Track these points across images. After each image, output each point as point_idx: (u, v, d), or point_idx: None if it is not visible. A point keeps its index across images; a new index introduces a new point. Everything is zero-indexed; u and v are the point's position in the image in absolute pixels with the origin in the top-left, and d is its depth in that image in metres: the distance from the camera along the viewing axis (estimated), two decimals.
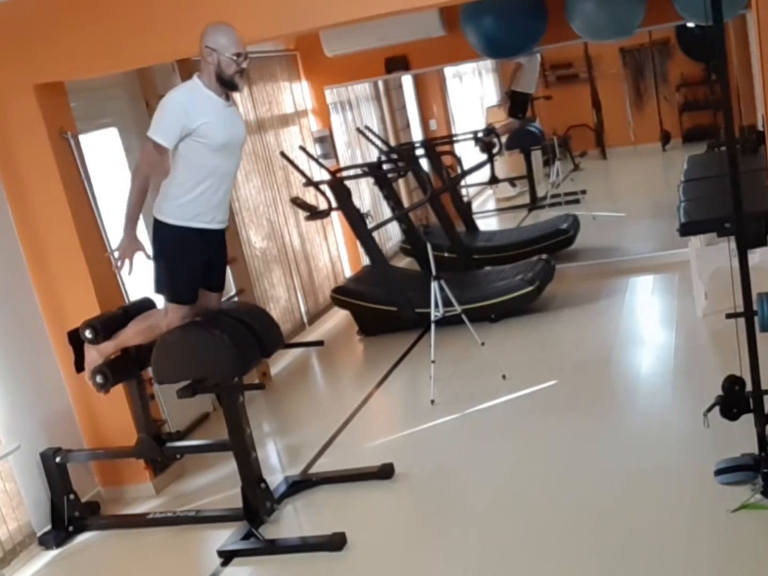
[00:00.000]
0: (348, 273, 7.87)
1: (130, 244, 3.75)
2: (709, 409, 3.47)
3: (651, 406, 4.50)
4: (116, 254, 3.80)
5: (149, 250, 3.84)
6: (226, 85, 3.68)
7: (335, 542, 3.64)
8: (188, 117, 3.58)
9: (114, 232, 4.66)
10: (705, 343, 5.30)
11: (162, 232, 3.74)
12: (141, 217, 3.80)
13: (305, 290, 7.17)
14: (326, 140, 7.63)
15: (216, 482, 4.54)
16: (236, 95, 3.99)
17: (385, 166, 7.41)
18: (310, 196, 6.61)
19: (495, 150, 8.38)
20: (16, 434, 4.12)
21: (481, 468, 4.17)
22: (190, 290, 3.85)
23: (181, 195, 3.69)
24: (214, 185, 3.73)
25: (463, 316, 5.22)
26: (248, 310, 4.22)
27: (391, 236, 8.83)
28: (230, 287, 5.90)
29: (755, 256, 5.01)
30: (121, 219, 3.79)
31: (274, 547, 3.77)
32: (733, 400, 3.42)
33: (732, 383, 3.43)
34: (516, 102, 9.34)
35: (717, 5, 3.17)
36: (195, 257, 3.79)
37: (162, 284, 3.84)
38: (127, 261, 3.76)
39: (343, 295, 6.74)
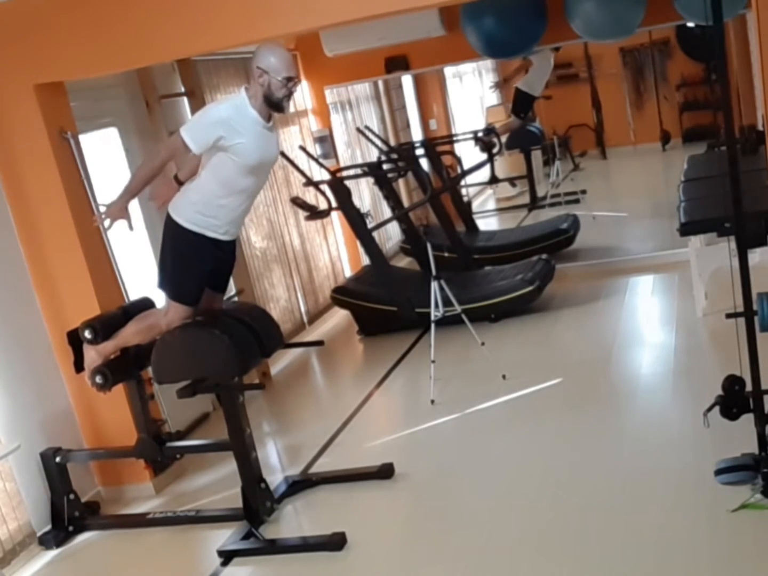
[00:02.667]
0: (348, 273, 7.87)
1: (120, 211, 3.76)
2: (709, 409, 3.47)
3: (651, 406, 4.50)
4: (102, 210, 3.84)
5: (153, 237, 3.82)
6: (273, 107, 3.65)
7: (335, 542, 3.64)
8: (226, 133, 3.54)
9: (113, 231, 4.67)
10: (705, 343, 5.30)
11: (175, 231, 3.74)
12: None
13: (305, 290, 7.16)
14: (326, 140, 7.63)
15: (216, 482, 4.54)
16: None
17: (385, 166, 7.42)
18: (310, 196, 6.61)
19: (495, 150, 8.38)
20: (16, 434, 4.12)
21: (480, 468, 4.18)
22: (196, 293, 3.84)
23: (202, 204, 3.68)
24: (237, 201, 3.72)
25: (463, 316, 5.22)
26: (248, 310, 4.22)
27: (391, 236, 8.83)
28: (230, 287, 5.90)
29: (755, 256, 5.01)
30: (119, 187, 3.80)
31: (274, 547, 3.77)
32: (733, 400, 3.42)
33: (732, 383, 3.43)
34: (520, 101, 9.33)
35: (717, 5, 3.17)
36: (204, 263, 3.79)
37: (166, 281, 3.84)
38: (109, 220, 3.79)
39: (343, 295, 6.75)
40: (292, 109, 7.36)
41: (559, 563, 3.25)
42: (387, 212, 7.86)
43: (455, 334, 5.53)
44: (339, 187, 6.25)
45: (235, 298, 5.86)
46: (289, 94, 3.64)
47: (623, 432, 4.25)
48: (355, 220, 6.32)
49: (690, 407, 4.15)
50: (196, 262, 3.77)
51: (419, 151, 8.27)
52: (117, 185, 5.02)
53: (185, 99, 5.87)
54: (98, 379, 4.03)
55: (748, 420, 3.41)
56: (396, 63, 7.32)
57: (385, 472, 4.20)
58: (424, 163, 8.23)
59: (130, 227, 3.82)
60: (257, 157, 3.65)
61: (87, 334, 3.99)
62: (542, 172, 10.78)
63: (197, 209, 3.69)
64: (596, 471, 3.89)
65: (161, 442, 4.21)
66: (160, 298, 4.03)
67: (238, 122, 3.58)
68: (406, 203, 8.23)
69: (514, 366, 5.28)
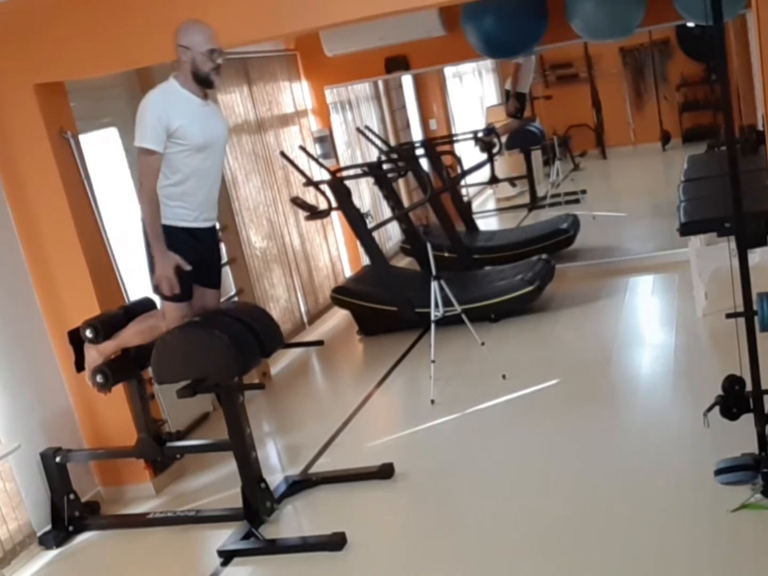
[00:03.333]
0: (348, 273, 7.88)
1: (166, 261, 3.65)
2: (709, 409, 3.47)
3: (651, 406, 4.50)
4: (160, 281, 3.69)
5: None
6: (203, 83, 3.67)
7: (335, 542, 3.64)
8: (168, 117, 3.56)
9: (113, 232, 4.67)
10: (705, 343, 5.30)
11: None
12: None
13: (305, 290, 7.16)
14: (326, 140, 7.63)
15: (216, 482, 4.54)
16: (236, 95, 3.97)
17: (385, 166, 7.41)
18: (310, 196, 6.61)
19: (495, 150, 8.38)
20: (16, 434, 4.12)
21: (480, 468, 4.17)
22: (183, 288, 3.81)
23: (165, 195, 3.68)
24: (197, 184, 3.72)
25: (463, 316, 5.23)
26: (248, 309, 4.22)
27: (391, 236, 8.83)
28: (230, 287, 5.90)
29: (755, 256, 5.01)
30: (144, 240, 3.73)
31: (274, 547, 3.77)
32: (733, 400, 3.42)
33: (732, 383, 3.43)
34: (516, 102, 9.34)
35: (717, 5, 3.17)
36: (185, 255, 3.75)
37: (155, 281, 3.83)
38: (165, 282, 3.67)
39: (343, 295, 6.75)
40: (292, 108, 7.37)
41: (559, 563, 3.25)
42: (387, 212, 7.86)
43: (455, 334, 5.53)
44: (339, 187, 6.25)
45: (235, 298, 5.86)
46: (216, 67, 3.64)
47: (623, 432, 4.25)
48: (355, 220, 6.32)
49: (690, 407, 4.15)
50: (177, 255, 3.74)
51: (419, 151, 8.27)
52: (117, 185, 5.08)
53: None
54: (99, 379, 4.03)
55: (748, 420, 3.41)
56: (396, 63, 7.33)
57: (385, 472, 4.20)
58: (424, 163, 8.24)
59: (186, 267, 3.70)
60: (201, 136, 3.66)
61: (88, 334, 3.99)
62: (542, 172, 10.79)
63: (162, 202, 3.68)
64: (596, 471, 3.89)
65: (161, 442, 4.21)
66: (158, 299, 4.03)
67: (173, 105, 3.60)
68: (406, 203, 8.23)
69: (514, 366, 5.28)
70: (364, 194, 8.35)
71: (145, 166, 3.64)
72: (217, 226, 4.15)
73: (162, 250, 3.66)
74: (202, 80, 3.66)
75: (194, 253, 3.81)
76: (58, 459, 4.21)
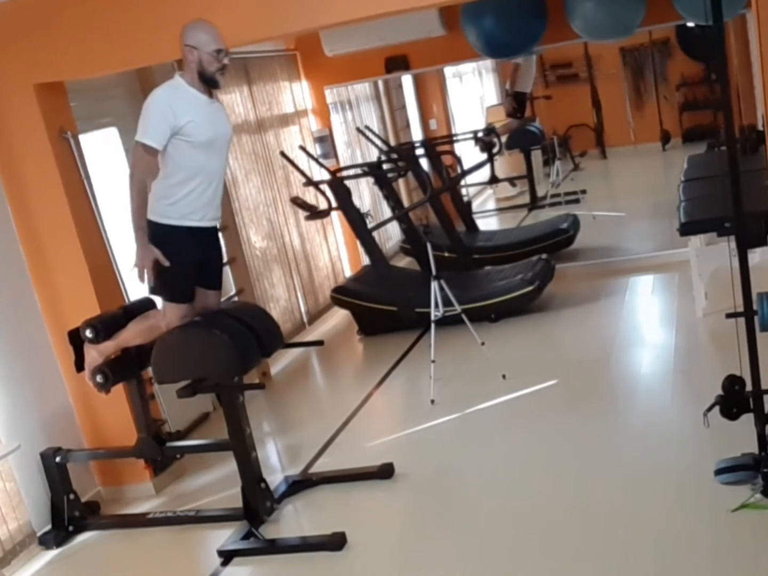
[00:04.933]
0: (348, 273, 7.87)
1: (145, 251, 3.68)
2: (709, 409, 3.47)
3: (651, 406, 4.50)
4: (135, 269, 3.73)
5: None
6: (208, 83, 3.69)
7: (335, 542, 3.64)
8: (174, 115, 3.58)
9: (113, 232, 4.67)
10: (705, 343, 5.30)
11: (153, 231, 3.72)
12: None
13: (305, 290, 7.16)
14: (326, 140, 7.63)
15: (216, 482, 4.54)
16: (236, 94, 3.98)
17: (385, 166, 7.41)
18: (310, 196, 6.61)
19: (495, 150, 8.37)
20: (16, 434, 4.12)
21: (480, 468, 4.18)
22: (186, 289, 3.84)
23: (170, 194, 3.69)
24: (203, 184, 3.73)
25: (463, 316, 5.22)
26: (248, 309, 4.22)
27: (391, 236, 8.83)
28: (230, 287, 5.90)
29: (755, 255, 5.01)
30: (129, 230, 3.73)
31: (274, 547, 3.77)
32: (733, 399, 3.42)
33: (732, 383, 3.43)
34: (516, 102, 9.34)
35: (717, 5, 3.17)
36: (188, 256, 3.77)
37: (157, 284, 3.83)
38: (144, 270, 3.70)
39: (343, 295, 6.75)
40: (292, 108, 7.37)
41: (559, 563, 3.25)
42: (387, 212, 7.86)
43: (455, 334, 5.53)
44: (339, 187, 6.25)
45: (235, 298, 5.86)
46: (222, 67, 3.66)
47: (623, 432, 4.25)
48: (355, 220, 6.31)
49: (690, 407, 4.15)
50: (180, 257, 3.74)
51: (419, 151, 8.27)
52: (117, 185, 5.07)
53: None
54: (99, 379, 4.03)
55: (748, 420, 3.41)
56: (396, 63, 7.33)
57: (385, 472, 4.20)
58: (424, 163, 8.23)
59: (165, 261, 3.72)
60: (208, 132, 3.67)
61: (88, 334, 3.99)
62: (542, 172, 10.77)
63: (167, 202, 3.69)
64: (596, 471, 3.89)
65: (161, 442, 4.21)
66: (159, 299, 4.03)
67: (180, 103, 3.62)
68: (406, 203, 8.23)
69: (514, 366, 5.29)
70: (364, 194, 8.35)
71: (140, 160, 3.65)
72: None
73: (144, 242, 3.67)
74: (207, 80, 3.68)
75: (197, 252, 3.81)
76: (58, 459, 4.21)
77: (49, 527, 4.25)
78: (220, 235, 4.08)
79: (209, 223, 3.85)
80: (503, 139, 9.07)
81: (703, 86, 11.79)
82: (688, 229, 5.40)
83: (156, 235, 3.72)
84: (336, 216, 7.20)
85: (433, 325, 5.19)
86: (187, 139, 3.62)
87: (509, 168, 10.27)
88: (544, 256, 6.85)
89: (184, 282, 3.82)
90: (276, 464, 4.75)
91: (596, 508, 3.56)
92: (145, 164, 3.65)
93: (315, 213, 5.90)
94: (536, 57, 9.50)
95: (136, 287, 4.70)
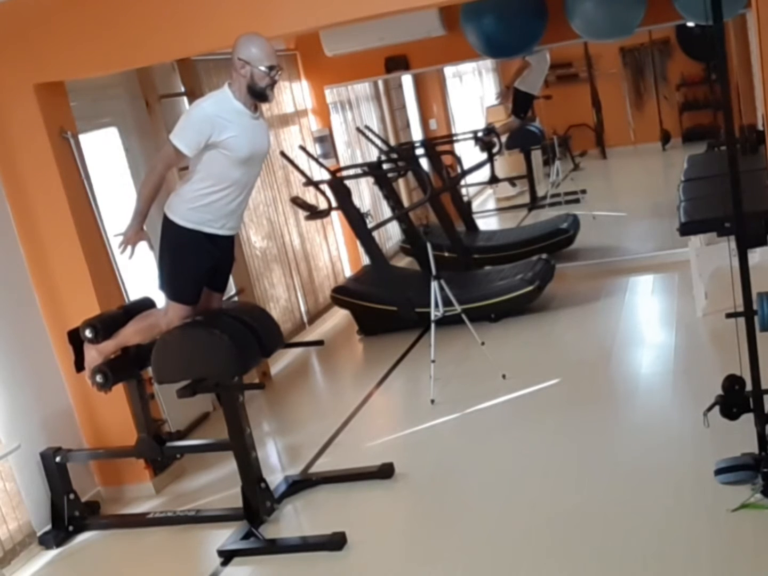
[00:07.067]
0: (348, 273, 7.87)
1: (136, 234, 3.74)
2: (709, 409, 3.47)
3: (651, 406, 4.50)
4: (119, 239, 3.79)
5: (155, 242, 3.82)
6: (257, 97, 3.65)
7: (335, 542, 3.64)
8: (214, 130, 3.54)
9: (113, 231, 4.67)
10: (705, 343, 5.30)
11: (171, 230, 3.73)
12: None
13: (305, 290, 7.17)
14: (326, 140, 7.63)
15: (216, 482, 4.54)
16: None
17: (385, 166, 7.41)
18: (310, 195, 6.61)
19: (495, 149, 8.38)
20: (16, 434, 4.12)
21: (480, 468, 4.18)
22: (194, 292, 3.84)
23: (196, 199, 3.68)
24: (231, 195, 3.72)
25: (463, 316, 5.22)
26: (248, 309, 4.22)
27: (391, 236, 8.83)
28: (230, 287, 5.90)
29: (755, 255, 5.01)
30: (130, 209, 3.77)
31: (274, 547, 3.77)
32: (733, 399, 3.42)
33: (732, 383, 3.43)
34: (519, 101, 9.32)
35: (717, 5, 3.17)
36: (202, 261, 3.78)
37: (165, 282, 3.84)
38: (129, 247, 3.76)
39: (343, 295, 6.75)
40: (292, 108, 7.37)
41: (559, 563, 3.25)
42: (387, 212, 7.86)
43: (455, 333, 5.53)
44: (339, 186, 6.25)
45: (235, 298, 5.86)
46: (273, 83, 3.63)
47: (623, 432, 4.25)
48: (355, 220, 6.32)
49: (690, 407, 4.15)
50: (194, 261, 3.76)
51: (419, 151, 8.27)
52: (117, 185, 5.07)
53: (185, 99, 5.87)
54: (99, 379, 4.03)
55: (748, 420, 3.41)
56: (396, 63, 7.33)
57: (385, 471, 4.20)
58: (424, 163, 8.23)
59: (151, 247, 3.78)
60: (248, 148, 3.65)
61: (88, 333, 3.99)
62: (542, 172, 10.77)
63: (191, 206, 3.69)
64: (596, 471, 3.89)
65: (161, 441, 4.21)
66: (160, 298, 4.03)
67: (225, 117, 3.58)
68: (406, 203, 8.23)
69: (514, 366, 5.29)
70: (364, 194, 8.35)
71: (168, 157, 3.67)
72: None
73: (138, 227, 3.73)
74: (257, 95, 3.63)
75: (211, 259, 3.82)
76: (58, 459, 4.21)
77: (49, 527, 4.25)
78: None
79: (228, 232, 3.84)
80: (503, 138, 9.07)
81: (703, 86, 11.80)
82: (688, 229, 5.40)
83: (175, 236, 3.73)
84: (336, 216, 7.20)
85: (433, 325, 5.19)
86: (225, 152, 3.60)
87: (509, 168, 10.27)
88: (544, 256, 6.85)
89: (193, 284, 3.82)
90: (276, 464, 4.74)
91: (596, 508, 3.56)
92: (171, 162, 3.70)
93: (315, 213, 5.89)
94: (548, 59, 9.40)
95: (136, 287, 4.71)
